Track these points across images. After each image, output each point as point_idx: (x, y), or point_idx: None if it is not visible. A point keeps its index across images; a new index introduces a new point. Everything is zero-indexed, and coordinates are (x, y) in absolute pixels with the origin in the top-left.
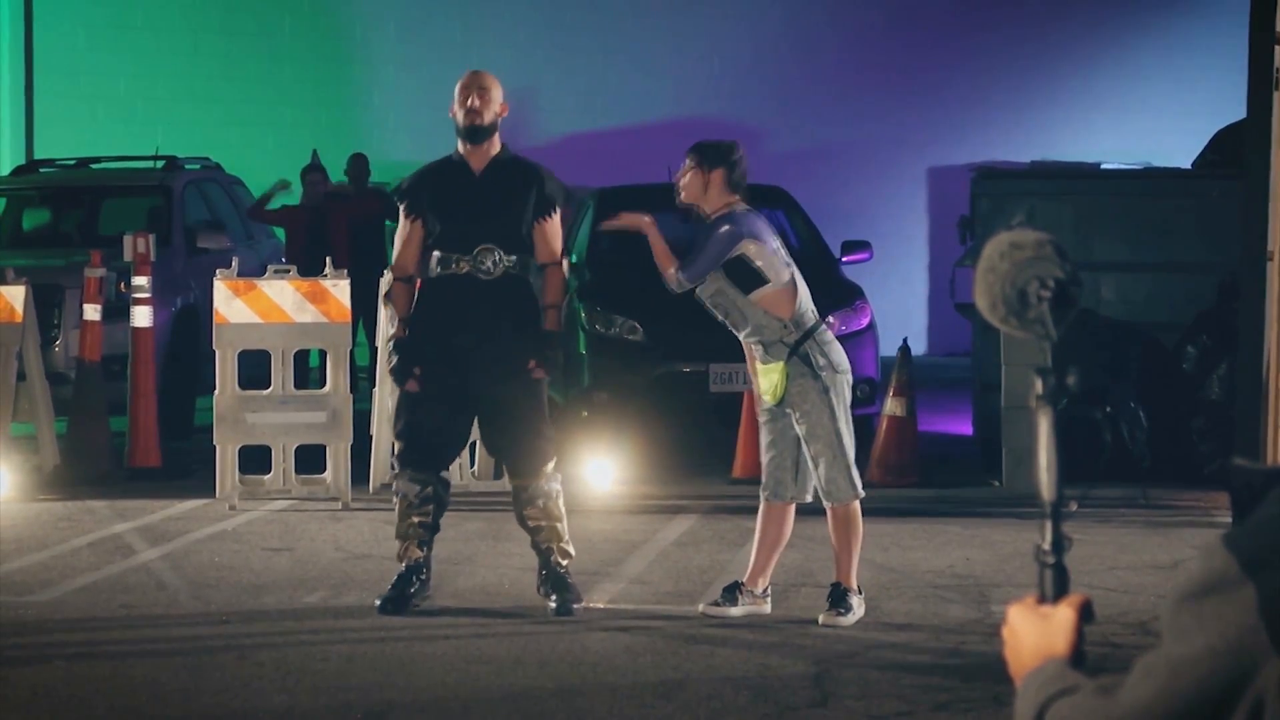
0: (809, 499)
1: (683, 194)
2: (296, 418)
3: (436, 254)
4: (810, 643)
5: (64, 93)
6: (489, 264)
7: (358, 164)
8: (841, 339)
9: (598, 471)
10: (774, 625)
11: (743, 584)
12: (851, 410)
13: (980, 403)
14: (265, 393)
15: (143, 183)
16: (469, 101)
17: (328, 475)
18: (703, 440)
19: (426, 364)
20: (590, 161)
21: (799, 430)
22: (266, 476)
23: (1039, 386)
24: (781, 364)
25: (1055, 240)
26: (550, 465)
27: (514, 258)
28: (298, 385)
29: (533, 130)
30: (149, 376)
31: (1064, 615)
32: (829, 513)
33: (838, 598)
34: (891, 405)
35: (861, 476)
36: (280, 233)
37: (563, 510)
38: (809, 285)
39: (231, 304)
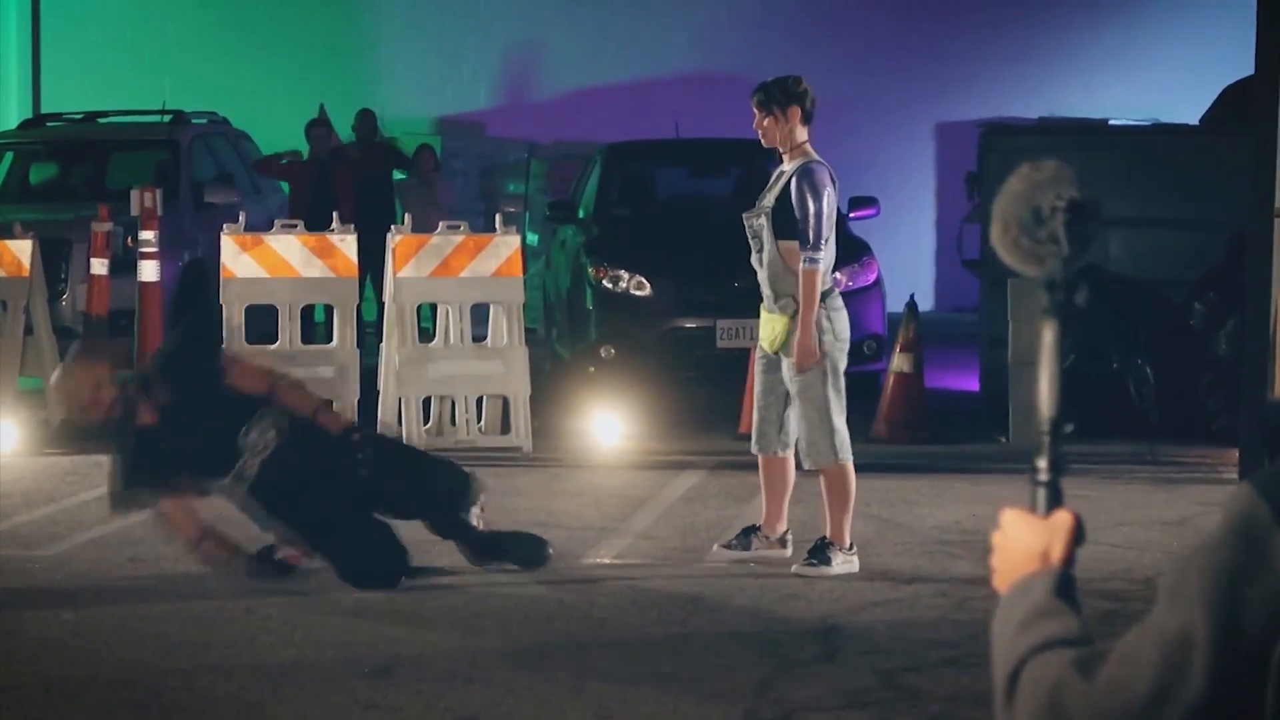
0: (791, 452)
1: (764, 140)
2: (304, 372)
3: None
4: (817, 598)
5: (71, 46)
6: None
7: (365, 120)
8: (848, 295)
9: (604, 426)
10: (781, 580)
11: (758, 528)
12: (859, 366)
13: (987, 358)
14: (272, 347)
15: (150, 137)
16: None
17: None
18: (709, 396)
19: None
20: (598, 116)
21: (790, 387)
22: None
23: (1046, 300)
24: (786, 318)
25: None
26: None
27: None
28: (304, 340)
29: (540, 85)
30: (156, 331)
31: (1062, 518)
32: (821, 473)
33: (817, 549)
34: (898, 361)
35: (868, 432)
36: (286, 187)
37: None
38: None
39: (239, 259)
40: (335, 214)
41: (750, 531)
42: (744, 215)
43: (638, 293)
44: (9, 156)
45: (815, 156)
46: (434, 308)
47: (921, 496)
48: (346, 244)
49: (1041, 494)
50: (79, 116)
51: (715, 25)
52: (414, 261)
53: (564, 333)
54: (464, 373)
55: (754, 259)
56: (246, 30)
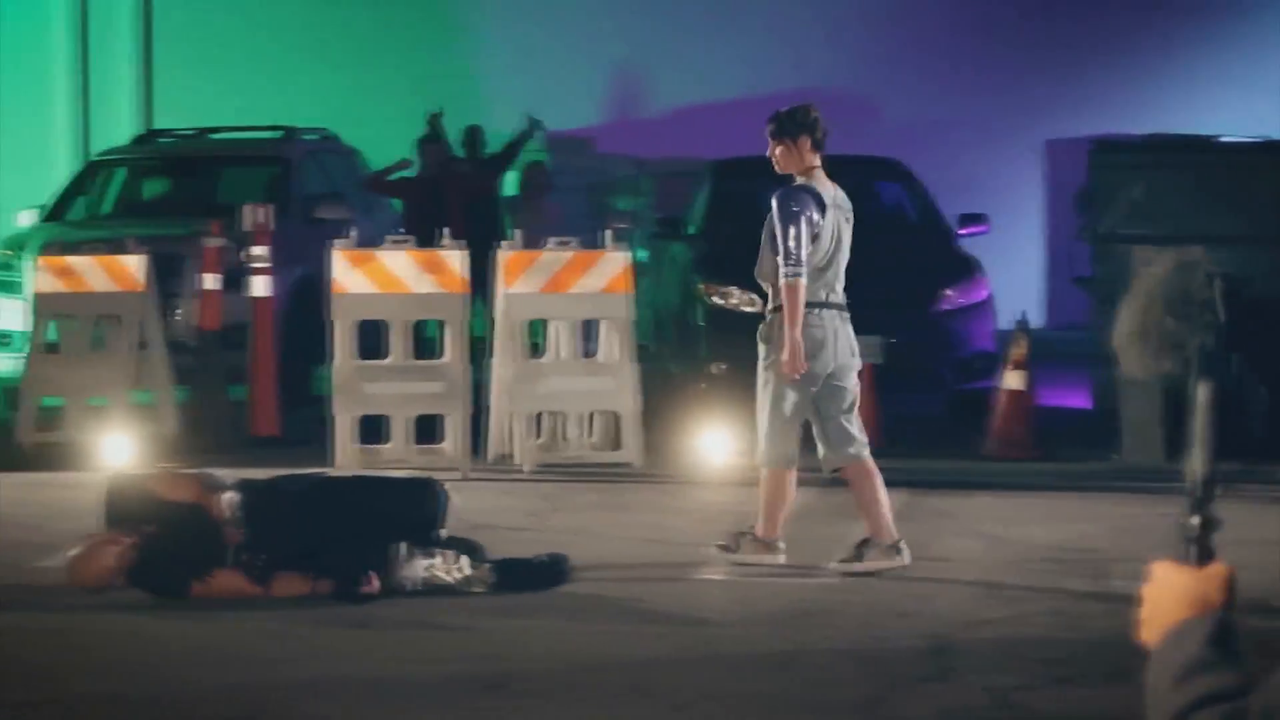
0: (852, 454)
1: (777, 167)
2: (414, 388)
3: None
4: (928, 615)
5: (182, 63)
6: None
7: (473, 135)
8: (959, 311)
9: (714, 443)
10: (891, 597)
11: (870, 539)
12: (970, 384)
13: (1098, 375)
14: (383, 363)
15: (261, 153)
16: None
17: (445, 445)
18: None
19: None
20: (707, 132)
21: (758, 378)
22: (385, 446)
23: (1201, 364)
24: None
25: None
26: None
27: None
28: (415, 355)
29: (648, 101)
30: (268, 346)
31: (1217, 568)
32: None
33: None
34: (1009, 378)
35: (979, 449)
36: (397, 204)
37: None
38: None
39: (349, 274)
40: (445, 229)
41: (864, 544)
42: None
43: (747, 309)
44: (122, 172)
45: (804, 180)
46: (545, 323)
47: (1033, 514)
48: (457, 259)
49: (1193, 549)
50: (191, 132)
51: (820, 43)
52: (524, 277)
53: (674, 349)
54: (574, 389)
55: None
56: (356, 48)
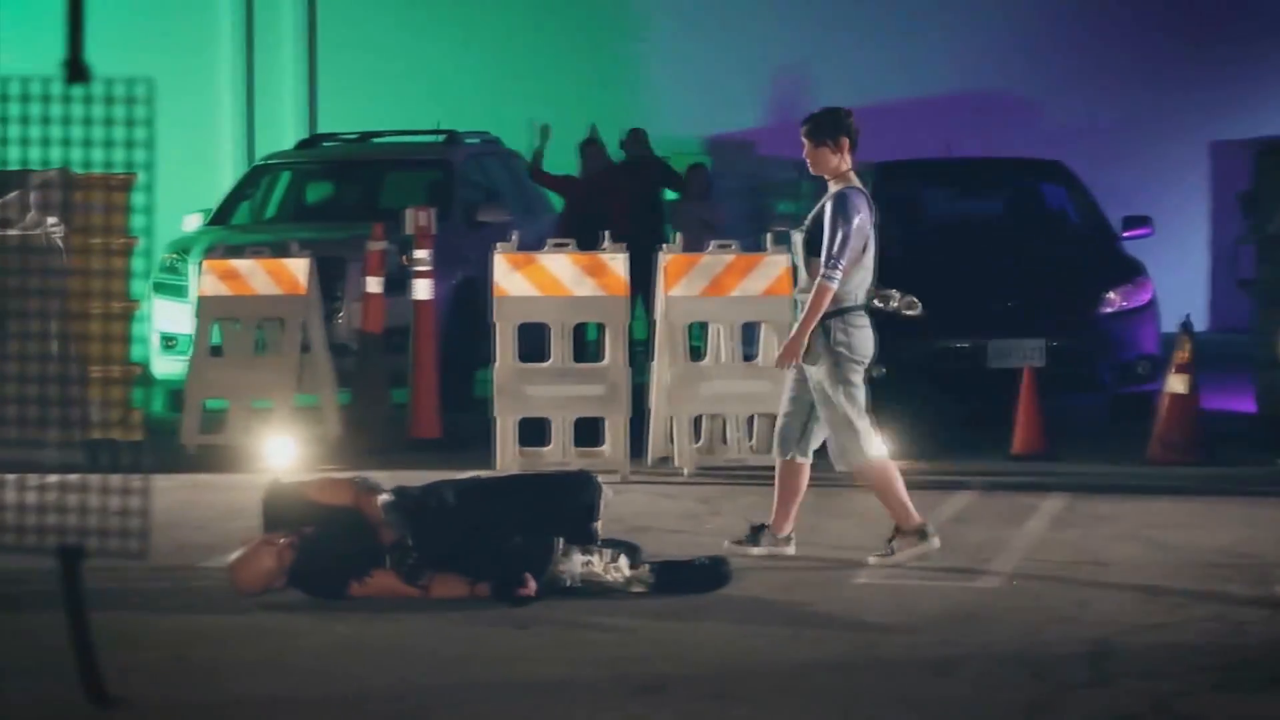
0: (808, 460)
1: (811, 169)
2: (575, 390)
3: None
4: (1089, 621)
5: (346, 68)
6: None
7: (636, 138)
8: (1122, 315)
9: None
10: (1052, 602)
11: (767, 527)
12: (1132, 387)
13: (1262, 379)
14: (544, 365)
15: (424, 156)
16: None
17: (606, 448)
18: (980, 416)
19: None
20: (868, 135)
21: (814, 394)
22: (545, 449)
23: None
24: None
25: None
26: None
27: None
28: (576, 358)
29: (809, 104)
30: (430, 349)
31: None
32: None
33: (888, 541)
34: (1173, 382)
35: (1142, 453)
36: (558, 203)
37: None
38: (1088, 260)
39: (511, 277)
40: (606, 232)
41: (760, 530)
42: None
43: (908, 312)
44: (286, 176)
45: (856, 183)
46: (705, 326)
47: (1195, 519)
48: (618, 262)
49: None
50: (354, 137)
51: (984, 45)
52: (684, 280)
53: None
54: (734, 391)
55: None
56: (517, 53)
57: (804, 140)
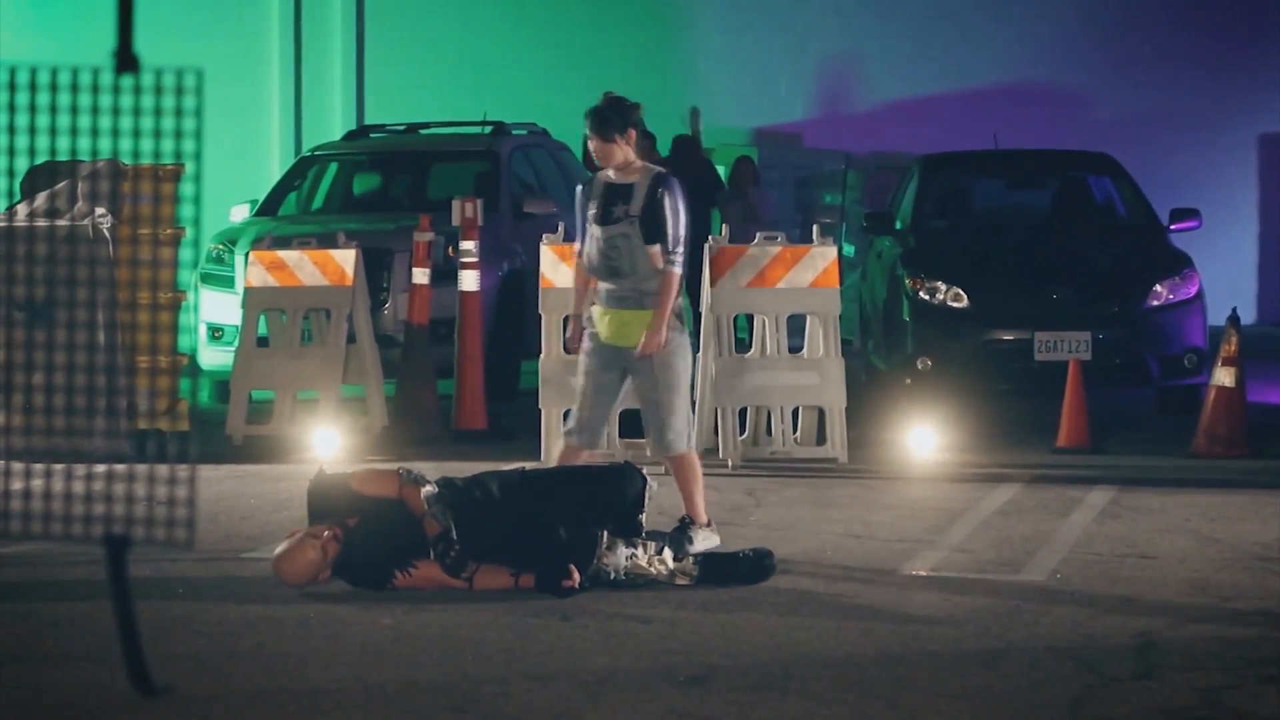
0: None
1: (599, 160)
2: None
3: None
4: (1135, 614)
5: (394, 59)
6: None
7: (684, 139)
8: (1169, 308)
9: (920, 439)
10: (1097, 594)
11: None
12: (1179, 380)
13: None
14: None
15: (471, 148)
16: None
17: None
18: (1027, 408)
19: None
20: (914, 127)
21: (656, 378)
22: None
23: None
24: (650, 313)
25: None
26: None
27: None
28: None
29: (856, 96)
30: (476, 340)
31: None
32: (671, 461)
33: (678, 534)
34: (1220, 375)
35: (1188, 446)
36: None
37: None
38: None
39: (558, 269)
40: None
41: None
42: (597, 232)
43: (955, 304)
44: (333, 167)
45: (658, 168)
46: (750, 318)
47: (1242, 512)
48: None
49: None
50: (401, 128)
51: (1031, 37)
52: (731, 272)
53: (880, 344)
54: (780, 383)
55: (609, 265)
56: (565, 43)
57: (591, 135)
